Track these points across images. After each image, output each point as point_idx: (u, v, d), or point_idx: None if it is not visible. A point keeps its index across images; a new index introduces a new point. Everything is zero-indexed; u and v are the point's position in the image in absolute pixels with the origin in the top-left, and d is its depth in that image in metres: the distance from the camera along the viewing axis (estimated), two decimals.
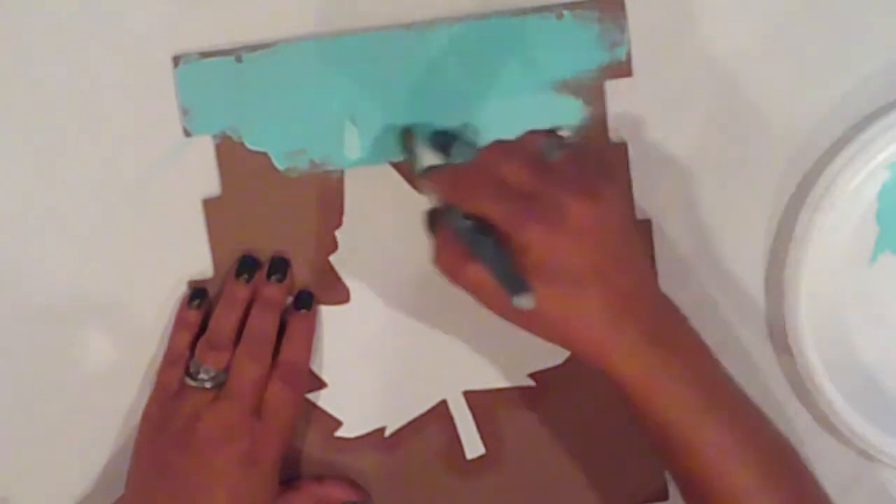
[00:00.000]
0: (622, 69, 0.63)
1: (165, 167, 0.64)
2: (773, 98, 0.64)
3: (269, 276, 0.64)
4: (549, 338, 0.56)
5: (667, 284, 0.65)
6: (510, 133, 0.60)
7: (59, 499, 0.67)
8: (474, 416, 0.66)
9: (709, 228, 0.65)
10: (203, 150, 0.64)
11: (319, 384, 0.66)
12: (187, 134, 0.64)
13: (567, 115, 0.63)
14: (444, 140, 0.59)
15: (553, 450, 0.67)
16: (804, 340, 0.64)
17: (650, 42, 0.63)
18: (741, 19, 0.64)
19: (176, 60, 0.63)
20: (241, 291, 0.64)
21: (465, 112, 0.64)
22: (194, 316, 0.64)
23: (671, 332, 0.56)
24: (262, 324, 0.63)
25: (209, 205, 0.65)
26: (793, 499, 0.57)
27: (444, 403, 0.66)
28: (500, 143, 0.57)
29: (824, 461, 0.66)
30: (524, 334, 0.65)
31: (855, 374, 0.65)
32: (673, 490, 0.67)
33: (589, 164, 0.56)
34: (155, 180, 0.64)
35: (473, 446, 0.67)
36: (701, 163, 0.65)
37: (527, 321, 0.55)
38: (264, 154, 0.64)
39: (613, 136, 0.64)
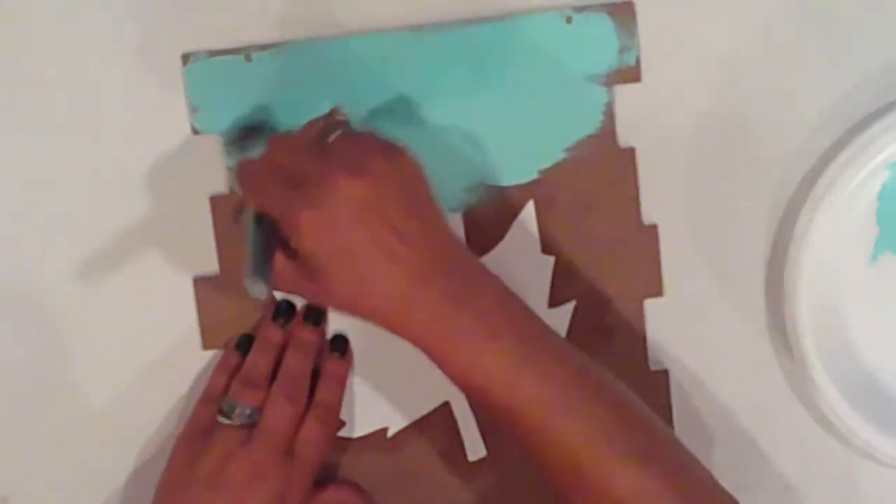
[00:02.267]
0: (631, 74, 0.64)
1: (173, 164, 0.65)
2: (774, 98, 0.65)
3: (305, 319, 0.64)
4: (352, 313, 0.57)
5: (669, 284, 0.66)
6: (515, 139, 0.63)
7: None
8: (476, 418, 0.66)
9: (710, 228, 0.66)
10: (211, 148, 0.65)
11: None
12: (195, 132, 0.64)
13: (575, 119, 0.64)
14: (243, 135, 0.62)
15: None
16: (804, 340, 0.64)
17: (660, 47, 0.64)
18: (743, 21, 0.65)
19: (185, 59, 0.64)
20: (277, 335, 0.64)
21: (473, 115, 0.64)
22: (238, 360, 0.64)
23: (475, 293, 0.55)
24: (298, 364, 0.64)
25: (216, 202, 0.65)
26: (639, 447, 0.55)
27: (447, 405, 0.66)
28: (280, 134, 0.60)
29: (824, 461, 0.68)
30: None
31: (855, 373, 0.66)
32: None
33: (364, 143, 0.57)
34: (163, 177, 0.65)
35: (475, 448, 0.67)
36: (703, 163, 0.66)
37: (325, 299, 0.58)
38: None
39: (622, 140, 0.65)
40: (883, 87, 0.65)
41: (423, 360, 0.65)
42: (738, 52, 0.65)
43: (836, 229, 0.64)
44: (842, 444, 0.67)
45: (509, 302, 0.57)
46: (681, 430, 0.67)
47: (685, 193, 0.66)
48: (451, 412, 0.66)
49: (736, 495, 0.66)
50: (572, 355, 0.57)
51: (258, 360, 0.63)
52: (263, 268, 0.54)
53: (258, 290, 0.53)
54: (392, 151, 0.56)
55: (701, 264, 0.66)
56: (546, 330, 0.57)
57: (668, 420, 0.67)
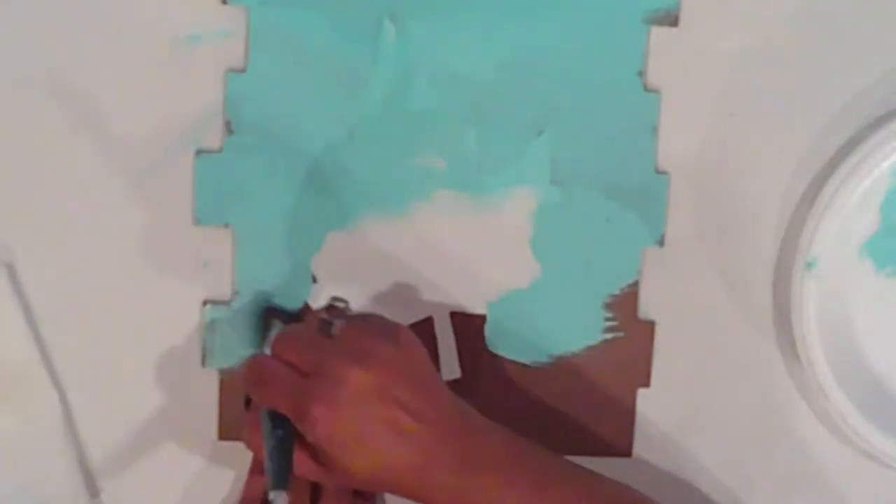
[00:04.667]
0: (669, 17, 0.64)
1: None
2: (779, 103, 0.65)
3: None
4: (374, 491, 0.63)
5: (675, 289, 0.66)
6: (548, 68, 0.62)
7: None
8: (457, 339, 0.66)
9: (717, 233, 0.66)
10: None
11: None
12: (223, 1, 0.63)
13: (606, 54, 0.64)
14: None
15: (526, 387, 0.66)
16: (812, 345, 0.64)
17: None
18: (746, 25, 0.65)
19: None
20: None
21: (512, 30, 0.64)
22: None
23: (484, 452, 0.58)
24: None
25: None
26: None
27: (430, 320, 0.66)
28: (286, 330, 0.61)
29: (828, 462, 0.68)
30: None
31: (862, 378, 0.66)
32: (636, 447, 0.67)
33: (368, 329, 0.59)
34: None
35: (450, 368, 0.66)
36: (708, 167, 0.66)
37: (347, 482, 0.60)
38: (298, 36, 0.63)
39: (649, 83, 0.64)
40: (888, 93, 0.65)
41: (416, 271, 0.65)
42: (741, 55, 0.65)
43: (841, 235, 0.64)
44: (846, 446, 0.68)
45: (517, 446, 0.60)
46: (687, 433, 0.68)
47: (690, 198, 0.66)
48: (432, 328, 0.66)
49: (739, 496, 0.68)
50: (590, 487, 0.59)
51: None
52: (283, 474, 0.57)
53: (282, 499, 0.56)
54: (394, 335, 0.59)
55: (708, 269, 0.66)
56: (561, 467, 0.60)
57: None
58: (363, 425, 0.56)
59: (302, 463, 0.58)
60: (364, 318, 0.61)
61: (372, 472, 0.57)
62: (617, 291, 0.66)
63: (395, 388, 0.57)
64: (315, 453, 0.58)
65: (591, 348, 0.66)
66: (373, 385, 0.56)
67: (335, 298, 0.60)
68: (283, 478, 0.57)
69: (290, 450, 0.58)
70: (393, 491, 0.59)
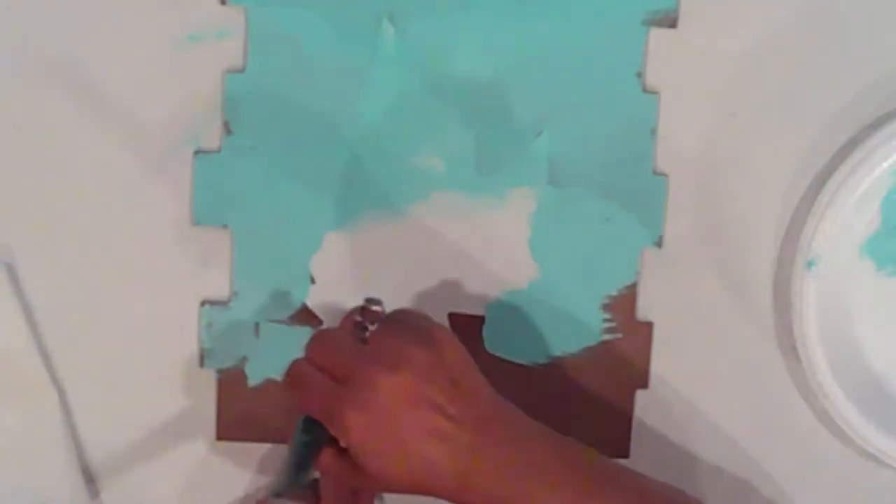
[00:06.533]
0: (668, 19, 0.64)
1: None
2: (779, 103, 0.65)
3: None
4: (413, 493, 0.58)
5: (675, 289, 0.66)
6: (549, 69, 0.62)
7: None
8: None
9: (716, 233, 0.66)
10: None
11: None
12: (222, 2, 0.63)
13: (605, 55, 0.64)
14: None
15: (524, 389, 0.66)
16: (812, 345, 0.64)
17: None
18: (746, 26, 0.64)
19: None
20: None
21: (510, 32, 0.63)
22: None
23: (527, 452, 0.57)
24: None
25: None
26: None
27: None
28: (321, 334, 0.60)
29: (828, 462, 0.68)
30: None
31: (862, 378, 0.66)
32: (634, 448, 0.67)
33: (401, 332, 0.58)
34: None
35: None
36: (708, 167, 0.65)
37: (383, 487, 0.60)
38: (297, 36, 0.63)
39: (648, 84, 0.64)
40: (888, 93, 0.65)
41: (412, 273, 0.65)
42: (742, 55, 0.64)
43: (841, 236, 0.64)
44: (846, 446, 0.68)
45: (562, 450, 0.58)
46: (685, 434, 0.68)
47: (690, 197, 0.66)
48: None
49: (739, 496, 0.68)
50: (639, 492, 0.58)
51: None
52: (293, 481, 0.57)
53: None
54: (429, 337, 0.58)
55: (709, 269, 0.66)
56: (609, 472, 0.59)
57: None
58: (398, 432, 0.55)
59: (338, 470, 0.57)
60: (399, 320, 0.59)
61: (409, 477, 0.56)
62: (615, 292, 0.66)
63: (430, 392, 0.56)
64: (350, 461, 0.57)
65: (589, 349, 0.66)
66: (405, 391, 0.55)
67: (369, 300, 0.59)
68: (292, 484, 0.56)
69: (310, 459, 0.57)
70: (433, 494, 0.57)
